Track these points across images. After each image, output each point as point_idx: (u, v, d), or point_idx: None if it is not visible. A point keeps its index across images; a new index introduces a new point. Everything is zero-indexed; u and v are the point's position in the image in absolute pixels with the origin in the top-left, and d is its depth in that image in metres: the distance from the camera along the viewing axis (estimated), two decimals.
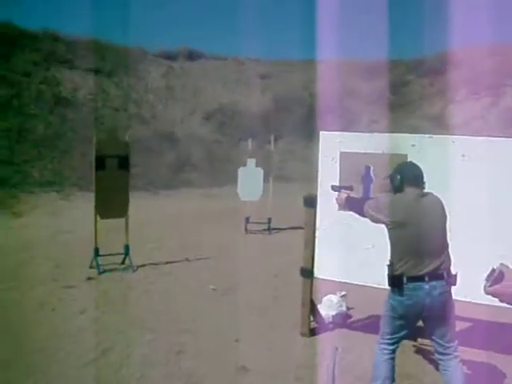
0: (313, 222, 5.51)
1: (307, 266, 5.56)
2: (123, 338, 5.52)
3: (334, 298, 6.15)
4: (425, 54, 23.54)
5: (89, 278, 7.63)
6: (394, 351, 4.12)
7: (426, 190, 4.01)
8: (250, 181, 11.16)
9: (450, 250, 3.94)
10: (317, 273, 5.54)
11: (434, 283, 3.79)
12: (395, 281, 3.88)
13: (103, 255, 8.07)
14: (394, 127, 19.94)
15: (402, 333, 4.07)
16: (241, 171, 11.58)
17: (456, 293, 4.27)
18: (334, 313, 6.03)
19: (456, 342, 4.02)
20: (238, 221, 11.73)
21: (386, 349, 4.11)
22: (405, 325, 4.01)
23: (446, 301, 3.87)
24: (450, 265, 3.88)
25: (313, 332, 5.74)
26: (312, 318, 5.88)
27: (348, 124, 20.96)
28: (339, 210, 4.97)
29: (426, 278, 3.78)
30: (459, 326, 6.00)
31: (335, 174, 5.33)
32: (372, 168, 5.25)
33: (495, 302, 4.16)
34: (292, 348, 5.37)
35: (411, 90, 22.09)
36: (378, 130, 20.15)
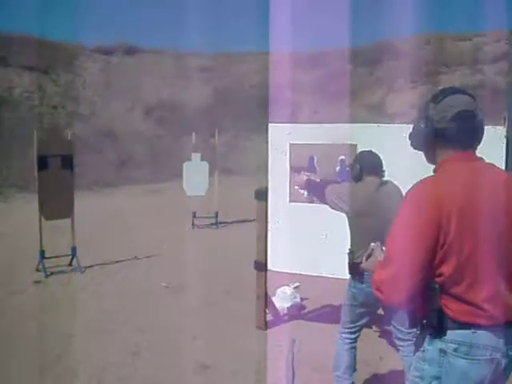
0: (264, 214, 5.50)
1: (260, 259, 5.56)
2: (76, 342, 5.38)
3: (287, 290, 6.18)
4: (363, 43, 23.88)
5: (36, 282, 7.42)
6: (355, 340, 4.15)
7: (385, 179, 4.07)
8: (196, 175, 11.07)
9: None
10: (270, 265, 5.54)
11: None
12: (356, 269, 3.85)
13: (49, 257, 7.86)
14: (335, 117, 20.18)
15: (363, 320, 4.11)
16: (186, 166, 11.48)
17: None
18: (288, 304, 6.05)
19: (406, 327, 3.97)
20: (185, 216, 11.64)
21: (347, 338, 4.13)
22: (366, 312, 4.05)
23: None
24: None
25: (268, 325, 5.75)
26: (267, 311, 5.90)
27: (290, 115, 21.10)
28: (300, 189, 4.89)
29: None
30: None
31: (285, 166, 5.34)
32: (315, 158, 5.28)
33: None
34: (249, 342, 5.35)
35: (351, 79, 22.33)
36: (319, 120, 20.39)
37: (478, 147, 2.28)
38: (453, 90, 2.28)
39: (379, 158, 4.11)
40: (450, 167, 2.24)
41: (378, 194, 3.96)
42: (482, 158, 2.27)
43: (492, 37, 21.50)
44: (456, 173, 2.21)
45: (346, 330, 4.12)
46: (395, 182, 4.15)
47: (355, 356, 4.15)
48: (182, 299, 6.65)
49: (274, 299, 6.08)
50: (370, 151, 4.23)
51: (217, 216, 11.52)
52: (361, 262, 2.86)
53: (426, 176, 2.35)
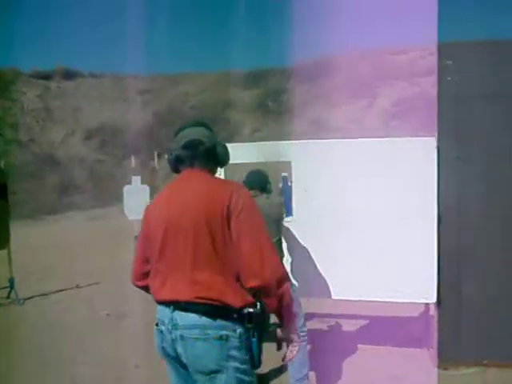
0: None
1: None
2: (15, 376, 5.20)
3: None
4: (302, 60, 24.21)
5: None
6: None
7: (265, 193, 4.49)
8: (136, 199, 10.93)
9: (278, 244, 4.45)
10: None
11: None
12: None
13: None
14: (277, 134, 20.37)
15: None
16: (126, 190, 11.35)
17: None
18: None
19: (298, 324, 4.12)
20: (127, 240, 11.46)
21: None
22: None
23: None
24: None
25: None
26: None
27: (230, 134, 21.18)
28: None
29: None
30: (358, 324, 6.27)
31: None
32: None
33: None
34: None
35: (291, 96, 22.60)
36: (261, 138, 20.53)
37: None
38: (188, 124, 2.76)
39: (259, 175, 4.57)
40: (172, 182, 2.72)
41: None
42: (202, 171, 2.66)
43: (427, 50, 22.16)
44: (170, 185, 2.71)
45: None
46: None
47: None
48: (124, 327, 6.52)
49: None
50: (255, 170, 4.65)
51: None
52: None
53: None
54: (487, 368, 4.85)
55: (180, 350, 2.48)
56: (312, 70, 22.54)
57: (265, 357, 4.63)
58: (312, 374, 4.92)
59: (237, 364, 2.46)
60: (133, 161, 11.31)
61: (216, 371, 2.44)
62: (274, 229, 4.39)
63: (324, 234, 5.11)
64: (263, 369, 4.85)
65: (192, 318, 2.44)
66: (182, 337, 2.46)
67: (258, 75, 22.94)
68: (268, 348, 4.75)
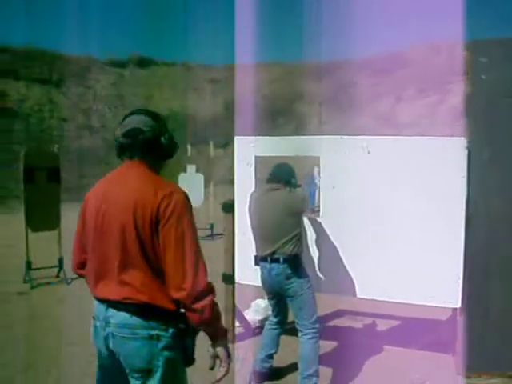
0: (232, 227, 5.51)
1: (228, 272, 5.56)
2: (46, 354, 5.43)
3: (261, 303, 6.16)
4: (372, 53, 23.82)
5: (20, 293, 7.51)
6: (276, 323, 4.75)
7: (286, 187, 4.49)
8: (190, 187, 11.11)
9: (297, 238, 4.41)
10: (238, 278, 5.54)
11: (272, 265, 4.35)
12: (255, 260, 4.55)
13: (36, 269, 7.96)
14: (344, 128, 20.16)
15: (274, 307, 4.75)
16: (181, 178, 11.56)
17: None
18: (260, 317, 6.03)
19: (310, 321, 4.41)
20: None
21: (271, 320, 4.81)
22: (270, 298, 4.73)
23: (282, 282, 4.36)
24: (291, 251, 4.33)
25: (238, 337, 5.74)
26: (238, 324, 5.89)
27: (298, 126, 21.14)
28: None
29: (268, 259, 4.37)
30: (386, 324, 6.17)
31: (250, 178, 5.35)
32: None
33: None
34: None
35: (360, 90, 22.29)
36: (328, 131, 20.35)
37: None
38: (134, 112, 2.66)
39: (281, 168, 4.56)
40: (112, 173, 2.67)
41: (261, 198, 4.54)
42: (140, 166, 2.56)
43: None
44: (109, 175, 2.66)
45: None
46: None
47: (275, 337, 4.77)
48: None
49: (246, 312, 6.09)
50: (279, 163, 4.63)
51: (212, 228, 11.56)
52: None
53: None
54: (510, 380, 4.67)
55: (112, 347, 2.50)
56: (383, 64, 22.15)
57: (281, 350, 4.71)
58: (329, 371, 4.91)
59: (169, 363, 2.47)
60: (189, 149, 11.48)
61: (147, 370, 2.46)
62: (295, 222, 4.41)
63: (350, 231, 5.05)
64: (277, 363, 4.90)
65: (123, 317, 2.45)
66: (113, 335, 2.48)
67: (329, 67, 22.72)
68: (284, 342, 4.80)
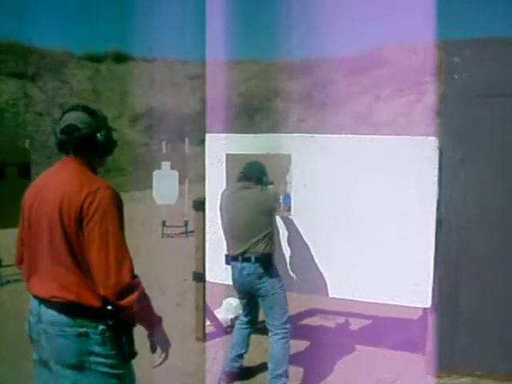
0: (202, 225, 5.45)
1: (199, 270, 5.51)
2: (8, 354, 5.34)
3: (233, 302, 6.10)
4: (350, 52, 23.87)
5: None
6: (247, 323, 4.72)
7: (255, 185, 4.44)
8: (165, 184, 11.05)
9: (269, 237, 4.35)
10: (209, 277, 5.48)
11: (244, 264, 4.30)
12: (226, 259, 4.52)
13: (6, 266, 7.82)
14: (321, 125, 20.17)
15: (244, 306, 4.70)
16: (155, 174, 11.48)
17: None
18: (232, 316, 5.97)
19: (281, 321, 4.38)
20: (156, 224, 11.61)
21: (241, 320, 4.78)
22: (240, 298, 4.68)
23: (254, 281, 4.31)
24: (262, 250, 4.27)
25: (208, 337, 5.68)
26: (209, 323, 5.84)
27: (275, 124, 21.12)
28: None
29: (239, 259, 4.32)
30: (358, 324, 6.16)
31: (222, 176, 5.30)
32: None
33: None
34: (184, 354, 5.28)
35: (337, 88, 22.32)
36: (306, 129, 20.36)
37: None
38: (71, 108, 2.67)
39: (252, 167, 4.53)
40: (48, 169, 2.68)
41: (232, 196, 4.49)
42: (75, 163, 2.57)
43: None
44: (43, 174, 2.68)
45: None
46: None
47: (246, 337, 4.73)
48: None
49: (218, 310, 6.04)
50: (251, 161, 4.60)
51: (186, 225, 11.48)
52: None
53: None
54: (480, 379, 4.69)
55: (43, 343, 2.51)
56: (360, 62, 22.21)
57: (251, 350, 4.68)
58: (300, 370, 4.89)
59: (100, 359, 2.46)
60: (164, 146, 11.38)
61: (78, 366, 2.45)
62: (266, 221, 4.36)
63: (321, 230, 5.02)
64: (247, 363, 4.86)
65: (52, 314, 2.46)
66: (44, 331, 2.48)
67: (306, 65, 22.72)
68: (254, 341, 4.76)
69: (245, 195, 4.39)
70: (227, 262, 4.52)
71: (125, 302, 2.37)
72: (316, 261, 5.06)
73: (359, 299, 5.01)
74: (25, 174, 7.89)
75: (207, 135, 5.49)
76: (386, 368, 4.98)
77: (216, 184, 5.23)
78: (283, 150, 5.15)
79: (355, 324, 6.19)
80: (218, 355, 5.20)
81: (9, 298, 7.11)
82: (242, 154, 5.24)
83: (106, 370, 2.47)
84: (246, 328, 4.73)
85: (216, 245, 5.26)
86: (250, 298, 4.54)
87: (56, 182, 2.52)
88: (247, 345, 4.74)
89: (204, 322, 5.65)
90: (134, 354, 2.53)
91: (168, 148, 11.70)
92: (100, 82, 23.64)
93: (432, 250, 4.66)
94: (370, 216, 4.85)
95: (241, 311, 6.03)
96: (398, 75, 20.01)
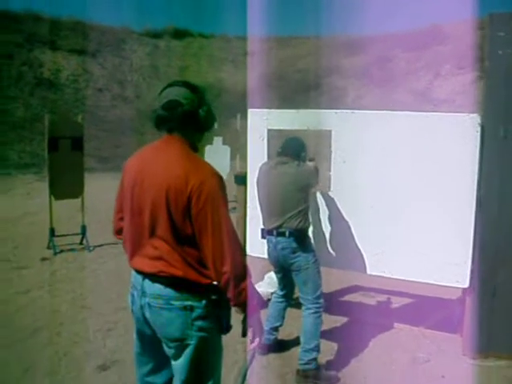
0: (244, 199, 5.52)
1: None
2: (58, 316, 5.58)
3: (274, 276, 6.15)
4: (410, 28, 23.30)
5: (43, 259, 7.70)
6: (283, 296, 4.79)
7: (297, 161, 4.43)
8: (217, 159, 11.14)
9: (304, 212, 4.37)
10: (250, 250, 5.55)
11: (278, 238, 4.35)
12: (261, 233, 4.58)
13: (59, 236, 8.14)
14: (380, 103, 19.86)
15: (280, 280, 4.77)
16: (207, 149, 11.60)
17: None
18: (272, 290, 6.02)
19: (314, 296, 4.40)
20: None
21: (277, 293, 4.87)
22: (276, 272, 4.75)
23: (288, 256, 4.35)
24: (297, 225, 4.29)
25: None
26: None
27: (334, 100, 20.89)
28: None
29: (274, 233, 4.36)
30: (399, 302, 6.13)
31: (263, 151, 5.33)
32: None
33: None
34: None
35: (397, 64, 21.89)
36: (363, 106, 20.10)
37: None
38: (172, 83, 2.62)
39: (291, 143, 4.52)
40: (151, 145, 2.68)
41: (270, 171, 4.47)
42: (178, 142, 2.57)
43: None
44: (148, 147, 2.68)
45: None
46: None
47: (282, 310, 4.82)
48: None
49: (258, 284, 6.12)
50: (290, 137, 4.58)
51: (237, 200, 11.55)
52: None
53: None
54: None
55: (147, 316, 2.58)
56: (420, 39, 21.66)
57: (288, 324, 4.75)
58: (334, 345, 4.93)
59: (202, 333, 2.54)
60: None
61: (181, 339, 2.53)
62: (302, 197, 4.37)
63: (361, 207, 5.01)
64: (283, 336, 4.93)
65: (157, 288, 2.52)
66: (149, 304, 2.56)
67: (365, 41, 22.33)
68: (293, 315, 4.82)
69: (282, 170, 4.40)
70: (263, 236, 4.57)
71: (237, 290, 2.44)
72: (355, 238, 5.05)
73: (397, 277, 4.98)
74: (78, 147, 8.13)
75: (249, 110, 5.52)
76: (422, 347, 4.97)
77: (258, 159, 5.26)
78: (324, 126, 5.14)
79: (395, 302, 6.16)
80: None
81: (61, 267, 7.39)
82: (283, 130, 5.26)
83: (206, 343, 2.56)
84: (282, 302, 4.79)
85: (257, 219, 5.29)
86: (285, 273, 4.58)
87: (162, 163, 2.52)
88: (282, 318, 4.81)
89: None
90: (229, 328, 2.62)
91: (220, 124, 11.77)
92: (159, 57, 23.91)
93: (471, 230, 4.59)
94: (409, 194, 4.81)
95: None
96: (459, 52, 19.42)
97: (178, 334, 2.52)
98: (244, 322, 2.60)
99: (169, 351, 2.61)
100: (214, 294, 2.52)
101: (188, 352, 2.54)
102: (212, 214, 2.42)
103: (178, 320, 2.50)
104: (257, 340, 2.62)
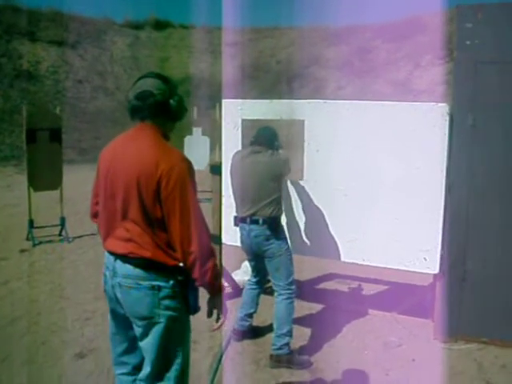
0: (219, 188, 5.58)
1: (215, 233, 5.64)
2: (36, 306, 5.62)
3: None
4: (391, 18, 23.40)
5: (22, 250, 7.71)
6: (256, 283, 4.87)
7: (269, 150, 4.49)
8: (196, 150, 11.20)
9: (277, 201, 4.45)
10: (225, 239, 5.63)
11: (252, 226, 4.43)
12: (234, 220, 4.68)
13: (38, 227, 8.15)
14: (360, 93, 19.95)
15: (253, 267, 4.84)
16: (187, 140, 11.63)
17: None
18: (248, 278, 6.12)
19: (286, 282, 4.49)
20: None
21: (250, 280, 4.95)
22: (249, 259, 4.82)
23: (261, 243, 4.43)
24: (270, 213, 4.38)
25: (226, 297, 5.84)
26: (227, 284, 6.00)
27: (314, 91, 20.96)
28: None
29: (248, 221, 4.44)
30: (373, 289, 6.24)
31: (237, 141, 5.40)
32: None
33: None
34: (198, 314, 5.44)
35: (377, 55, 21.99)
36: (344, 96, 20.17)
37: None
38: (145, 75, 2.77)
39: (263, 132, 4.57)
40: (122, 134, 2.80)
41: (243, 160, 4.54)
42: (151, 130, 2.68)
43: None
44: (122, 135, 2.79)
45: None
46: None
47: (255, 297, 4.90)
48: None
49: (236, 273, 6.20)
50: (263, 127, 4.65)
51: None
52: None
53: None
54: (486, 345, 4.73)
55: (118, 295, 2.70)
56: (400, 29, 21.75)
57: (262, 310, 4.82)
58: (307, 331, 5.02)
59: (170, 312, 2.65)
60: (195, 112, 11.49)
61: (149, 317, 2.64)
62: (275, 186, 4.44)
63: (333, 195, 5.10)
64: (257, 322, 5.02)
65: (128, 268, 2.64)
66: (119, 284, 2.68)
67: (345, 32, 22.40)
68: (267, 302, 4.89)
69: (255, 159, 4.46)
70: (235, 224, 4.65)
71: (204, 269, 2.56)
72: (329, 225, 5.15)
73: (369, 264, 5.09)
74: (56, 138, 8.13)
75: (224, 101, 5.59)
76: (394, 332, 5.08)
77: (232, 149, 5.32)
78: (297, 116, 5.21)
79: (369, 289, 6.27)
80: (231, 315, 5.35)
81: (40, 258, 7.41)
82: (257, 120, 5.33)
83: (173, 323, 2.67)
84: (255, 289, 4.87)
85: (232, 208, 5.37)
86: (258, 260, 4.65)
87: (134, 150, 2.64)
88: (256, 304, 4.89)
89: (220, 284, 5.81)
90: (197, 309, 2.73)
91: (200, 114, 11.80)
92: (140, 49, 23.81)
93: (441, 217, 4.70)
94: (380, 182, 4.91)
95: None
96: (439, 42, 19.54)
97: (146, 312, 2.63)
98: (209, 303, 2.74)
99: (137, 330, 2.71)
100: (181, 274, 2.64)
101: (156, 330, 2.65)
102: (180, 197, 2.53)
103: (146, 299, 2.61)
104: (221, 320, 2.76)
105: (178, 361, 2.72)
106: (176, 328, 2.69)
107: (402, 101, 5.85)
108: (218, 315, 2.76)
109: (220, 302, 2.75)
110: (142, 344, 2.72)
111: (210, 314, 2.76)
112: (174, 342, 2.71)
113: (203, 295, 2.72)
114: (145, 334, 2.68)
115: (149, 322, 2.64)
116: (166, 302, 2.63)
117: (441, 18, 19.70)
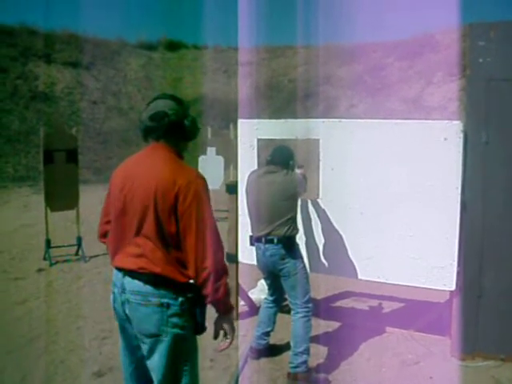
0: (235, 207, 5.63)
1: (231, 252, 5.68)
2: (54, 325, 5.67)
3: None
4: (403, 36, 23.51)
5: (39, 270, 7.78)
6: (273, 302, 4.89)
7: (285, 170, 4.53)
8: (211, 169, 11.25)
9: (292, 220, 4.48)
10: (241, 258, 5.66)
11: (267, 245, 4.44)
12: (250, 240, 4.72)
13: (55, 247, 8.22)
14: (373, 111, 20.00)
15: (269, 286, 4.85)
16: (201, 160, 11.70)
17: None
18: (265, 296, 6.14)
19: (303, 300, 4.49)
20: None
21: (267, 299, 4.95)
22: (265, 278, 4.83)
23: (277, 262, 4.45)
24: (285, 232, 4.39)
25: (242, 316, 5.87)
26: (243, 303, 6.03)
27: (327, 109, 21.05)
28: None
29: (263, 240, 4.46)
30: (389, 306, 6.23)
31: (253, 160, 5.45)
32: None
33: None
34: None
35: (389, 73, 22.06)
36: (356, 115, 20.24)
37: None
38: (159, 96, 2.84)
39: (279, 152, 4.60)
40: (139, 152, 2.85)
41: (259, 179, 4.57)
42: (165, 149, 2.75)
43: None
44: (137, 155, 2.84)
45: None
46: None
47: (272, 315, 4.92)
48: None
49: (252, 291, 6.22)
50: (279, 146, 4.67)
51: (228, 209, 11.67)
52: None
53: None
54: (504, 362, 4.71)
55: (127, 312, 2.73)
56: (412, 47, 21.85)
57: (279, 329, 4.83)
58: (324, 349, 5.03)
59: (177, 330, 2.66)
60: (209, 132, 11.59)
61: (156, 335, 2.66)
62: (290, 205, 4.47)
63: (349, 213, 5.13)
64: (274, 340, 5.03)
65: (137, 284, 2.66)
66: (128, 301, 2.70)
67: (357, 50, 22.51)
68: (284, 321, 4.91)
69: (270, 179, 4.50)
70: (251, 243, 4.69)
71: (218, 284, 2.58)
72: (345, 243, 5.17)
73: (386, 281, 5.10)
74: (72, 159, 8.24)
75: (240, 120, 5.65)
76: (411, 350, 5.07)
77: (248, 168, 5.38)
78: (312, 135, 5.26)
79: (386, 306, 6.26)
80: (248, 333, 5.38)
81: (57, 278, 7.47)
82: (273, 139, 5.39)
83: (181, 341, 2.68)
84: (272, 307, 4.89)
85: (247, 226, 5.41)
86: (274, 278, 4.67)
87: (150, 166, 2.70)
88: (273, 323, 4.91)
89: (237, 302, 5.83)
90: (204, 328, 2.72)
91: (214, 134, 11.90)
92: (153, 69, 24.07)
93: (457, 234, 4.71)
94: (395, 200, 4.93)
95: None
96: (451, 59, 19.60)
97: (154, 329, 2.65)
98: (217, 323, 2.75)
99: (144, 348, 2.73)
100: (190, 292, 2.66)
101: (163, 348, 2.66)
102: (197, 212, 2.58)
103: (154, 316, 2.64)
104: (227, 341, 2.75)
105: (186, 381, 2.73)
106: (183, 346, 2.71)
107: (414, 118, 5.87)
108: (226, 335, 2.76)
109: (229, 321, 2.76)
110: (149, 363, 2.73)
111: (216, 335, 2.77)
112: (181, 362, 2.72)
113: (210, 316, 2.74)
114: (152, 352, 2.69)
115: (156, 339, 2.66)
116: (174, 320, 2.65)
117: (453, 35, 19.77)
